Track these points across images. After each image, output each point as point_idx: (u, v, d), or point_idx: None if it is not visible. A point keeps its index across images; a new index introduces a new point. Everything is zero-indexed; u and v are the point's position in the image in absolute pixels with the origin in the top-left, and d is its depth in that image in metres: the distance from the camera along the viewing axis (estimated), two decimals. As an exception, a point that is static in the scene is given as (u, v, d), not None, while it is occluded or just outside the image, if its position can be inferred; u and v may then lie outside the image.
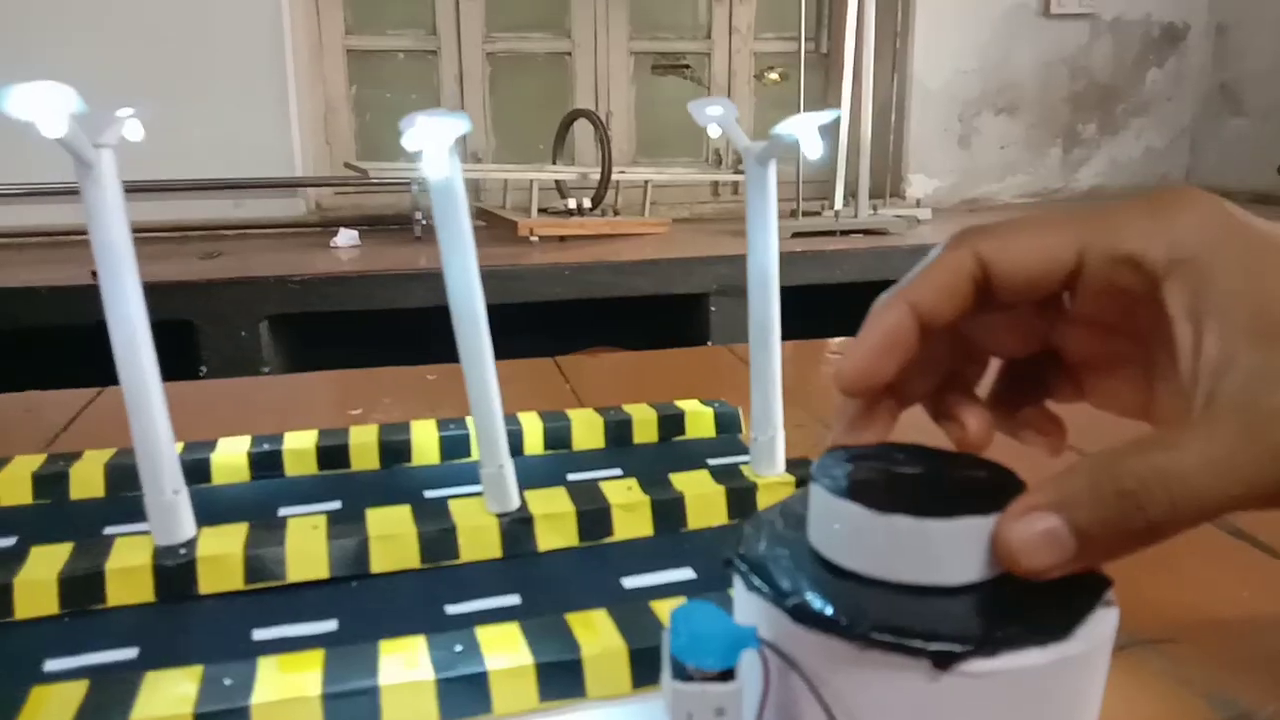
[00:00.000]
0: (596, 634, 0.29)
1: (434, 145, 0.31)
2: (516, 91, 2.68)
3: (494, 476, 0.38)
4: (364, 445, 0.46)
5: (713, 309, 1.99)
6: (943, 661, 0.20)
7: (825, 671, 0.21)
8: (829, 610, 0.21)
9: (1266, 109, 2.70)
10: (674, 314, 2.04)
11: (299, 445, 0.45)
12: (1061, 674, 0.21)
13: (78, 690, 0.27)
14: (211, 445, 0.45)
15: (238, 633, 0.32)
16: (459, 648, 0.28)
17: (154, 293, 0.32)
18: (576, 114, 2.37)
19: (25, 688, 0.28)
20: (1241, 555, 0.42)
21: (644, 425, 0.49)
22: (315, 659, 0.28)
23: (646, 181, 2.34)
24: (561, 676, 0.28)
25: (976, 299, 0.26)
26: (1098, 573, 0.22)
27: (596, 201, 2.24)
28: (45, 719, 0.26)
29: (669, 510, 0.39)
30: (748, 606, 0.23)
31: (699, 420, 0.50)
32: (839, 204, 2.36)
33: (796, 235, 2.21)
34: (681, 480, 0.40)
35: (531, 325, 2.25)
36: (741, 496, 0.40)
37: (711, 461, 0.46)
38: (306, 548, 0.35)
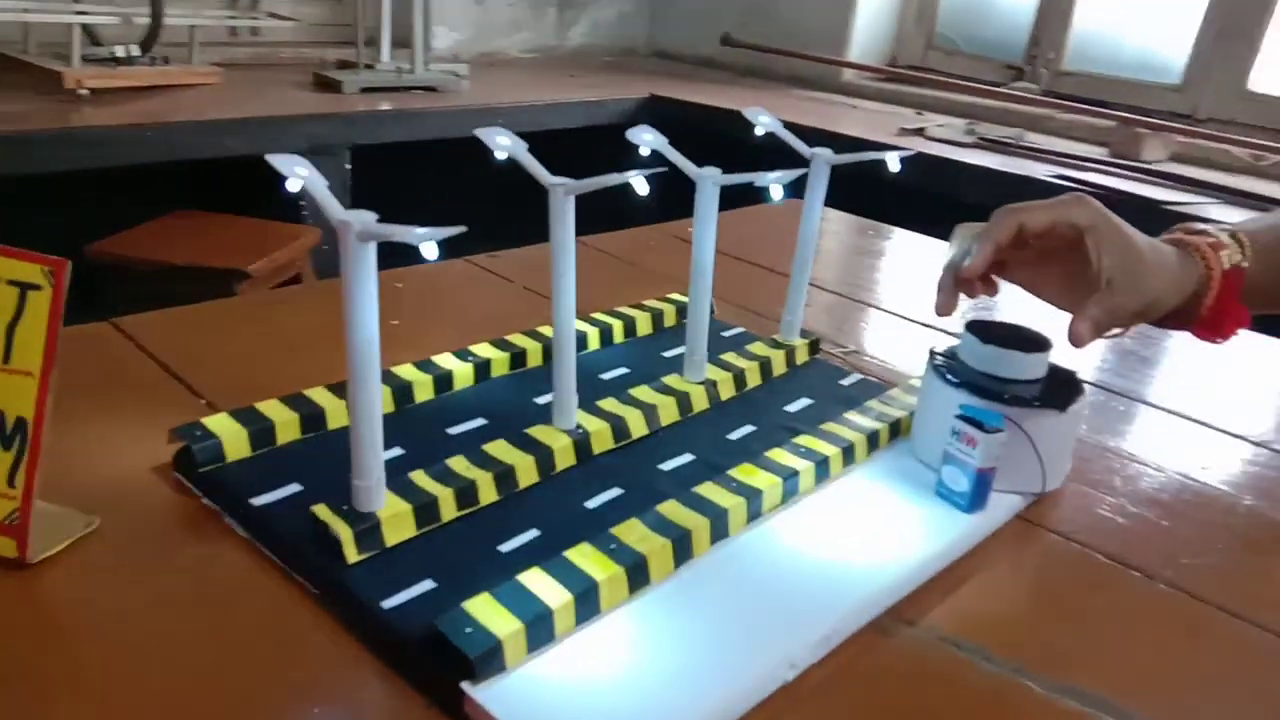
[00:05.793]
0: (844, 431, 0.58)
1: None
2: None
3: (696, 363, 0.62)
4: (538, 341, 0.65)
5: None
6: (1061, 408, 0.54)
7: (1019, 421, 0.53)
8: (1019, 395, 0.53)
9: (709, -11, 3.34)
10: (259, 175, 1.99)
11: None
12: (1079, 418, 0.56)
13: (680, 507, 0.48)
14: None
15: (649, 467, 0.54)
16: (802, 456, 0.55)
17: None
18: (102, -56, 2.10)
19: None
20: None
21: (643, 321, 0.74)
22: (753, 469, 0.53)
23: (193, 26, 2.20)
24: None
25: (1014, 241, 0.58)
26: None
27: (146, 48, 2.07)
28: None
29: (766, 368, 0.67)
30: (953, 397, 0.54)
31: (670, 312, 0.76)
32: (385, 56, 2.47)
33: (367, 90, 2.29)
34: (755, 348, 0.68)
35: (91, 189, 2.04)
36: (789, 353, 0.69)
37: (724, 334, 0.74)
38: (633, 418, 0.57)
